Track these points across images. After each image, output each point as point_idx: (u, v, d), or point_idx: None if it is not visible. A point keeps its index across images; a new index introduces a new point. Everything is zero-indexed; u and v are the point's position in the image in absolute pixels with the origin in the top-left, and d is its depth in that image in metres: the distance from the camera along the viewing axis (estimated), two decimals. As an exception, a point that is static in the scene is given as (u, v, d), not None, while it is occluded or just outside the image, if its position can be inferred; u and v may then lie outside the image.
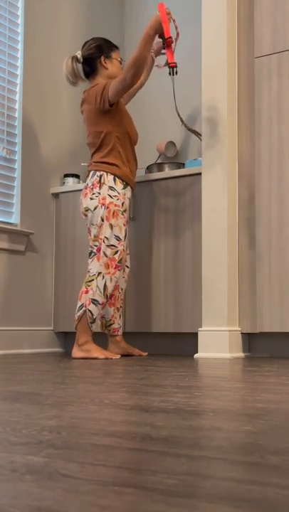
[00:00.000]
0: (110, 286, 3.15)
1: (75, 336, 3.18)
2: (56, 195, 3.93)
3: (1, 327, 3.55)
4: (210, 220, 3.28)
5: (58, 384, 1.76)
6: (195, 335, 3.35)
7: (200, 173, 3.38)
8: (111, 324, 3.32)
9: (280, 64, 3.25)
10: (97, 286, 3.12)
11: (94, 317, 3.12)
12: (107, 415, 1.13)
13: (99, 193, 3.19)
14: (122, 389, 1.61)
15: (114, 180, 3.22)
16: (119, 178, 3.23)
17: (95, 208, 3.18)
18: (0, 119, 3.65)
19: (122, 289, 3.35)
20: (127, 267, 3.37)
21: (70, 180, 3.95)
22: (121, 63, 3.37)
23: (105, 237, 3.16)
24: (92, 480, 0.65)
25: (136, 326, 3.57)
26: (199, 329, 3.27)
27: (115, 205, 3.19)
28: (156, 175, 3.61)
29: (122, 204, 3.22)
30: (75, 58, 3.32)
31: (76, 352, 3.12)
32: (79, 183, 3.95)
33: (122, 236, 3.20)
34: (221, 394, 1.51)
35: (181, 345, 3.54)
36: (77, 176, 4.00)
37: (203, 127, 3.37)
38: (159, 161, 4.14)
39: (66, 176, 3.96)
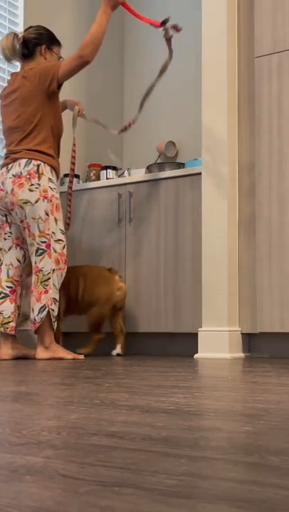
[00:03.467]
0: (60, 283, 3.08)
1: (40, 338, 3.05)
2: (56, 195, 3.93)
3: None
4: (210, 220, 3.28)
5: (58, 384, 1.76)
6: (195, 335, 3.35)
7: (200, 173, 3.38)
8: (9, 322, 3.11)
9: (280, 64, 3.25)
10: (53, 284, 3.03)
11: (55, 315, 3.05)
12: (107, 415, 1.13)
13: (38, 185, 3.02)
14: (122, 389, 1.60)
15: (51, 171, 3.11)
16: (54, 169, 3.13)
17: (37, 201, 3.01)
18: (0, 119, 3.65)
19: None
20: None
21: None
22: (59, 60, 3.26)
23: (52, 232, 3.05)
24: (92, 480, 0.65)
25: (136, 326, 3.57)
26: (199, 329, 3.27)
27: (56, 198, 3.09)
28: (156, 175, 3.61)
29: (59, 197, 3.16)
30: (16, 36, 3.21)
31: (42, 353, 3.01)
32: (78, 183, 3.95)
33: (64, 229, 3.14)
34: (221, 394, 1.51)
35: (181, 345, 3.54)
36: (77, 176, 3.99)
37: (203, 127, 3.37)
38: (159, 161, 4.14)
39: (66, 175, 3.96)
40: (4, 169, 3.11)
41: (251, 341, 3.33)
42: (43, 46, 3.22)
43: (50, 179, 3.07)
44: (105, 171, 3.94)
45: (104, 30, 3.08)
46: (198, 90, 3.52)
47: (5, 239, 3.17)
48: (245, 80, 3.37)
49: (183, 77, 4.33)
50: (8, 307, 3.11)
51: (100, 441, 0.88)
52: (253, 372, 2.25)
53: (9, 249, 3.16)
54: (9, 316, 3.10)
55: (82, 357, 3.08)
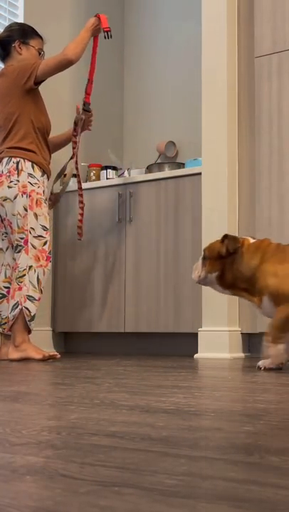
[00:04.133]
0: (43, 280, 2.98)
1: (12, 336, 2.95)
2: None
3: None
4: (210, 220, 3.28)
5: (58, 384, 1.76)
6: (195, 335, 3.35)
7: (200, 173, 3.38)
8: (6, 323, 3.03)
9: (280, 64, 3.25)
10: (29, 281, 2.91)
11: (32, 314, 2.91)
12: (107, 415, 1.13)
13: (18, 181, 2.98)
14: (122, 389, 1.61)
15: (33, 167, 3.02)
16: (36, 164, 3.05)
17: (15, 197, 2.97)
18: None
19: None
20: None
21: (70, 180, 3.94)
22: (40, 54, 3.20)
23: (31, 227, 2.96)
24: (92, 480, 0.65)
25: (136, 326, 3.57)
26: (199, 329, 3.27)
27: (37, 193, 3.00)
28: (156, 175, 3.61)
29: (43, 192, 3.05)
30: None
31: (13, 353, 2.90)
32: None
33: (48, 225, 3.04)
34: (221, 394, 1.51)
35: (181, 345, 3.54)
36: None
37: (203, 127, 3.37)
38: (159, 161, 4.14)
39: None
40: None
41: (251, 341, 3.33)
42: (16, 42, 3.14)
43: (30, 174, 3.00)
44: (105, 171, 3.94)
45: (86, 43, 3.11)
46: (198, 90, 3.52)
47: (2, 239, 3.13)
48: (245, 80, 3.37)
49: (183, 77, 4.33)
50: (5, 308, 3.06)
51: (100, 441, 0.88)
52: (253, 372, 2.25)
53: (6, 250, 3.12)
54: (7, 317, 3.04)
55: (57, 356, 2.95)
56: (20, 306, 2.89)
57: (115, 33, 4.59)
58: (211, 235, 3.27)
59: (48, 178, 3.18)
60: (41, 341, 3.80)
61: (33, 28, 3.24)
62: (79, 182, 3.34)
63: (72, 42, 3.09)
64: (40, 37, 3.24)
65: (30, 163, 3.03)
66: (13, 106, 3.05)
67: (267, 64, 3.28)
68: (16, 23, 3.30)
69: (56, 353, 2.98)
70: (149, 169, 3.87)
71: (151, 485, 0.63)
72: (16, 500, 0.58)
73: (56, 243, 3.91)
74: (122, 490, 0.61)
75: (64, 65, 3.02)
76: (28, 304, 2.90)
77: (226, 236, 2.40)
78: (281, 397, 1.42)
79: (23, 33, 3.18)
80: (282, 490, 0.61)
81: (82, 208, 3.30)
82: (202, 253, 2.51)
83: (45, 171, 3.11)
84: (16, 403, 1.32)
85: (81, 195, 3.32)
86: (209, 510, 0.54)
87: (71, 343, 3.98)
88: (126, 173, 3.94)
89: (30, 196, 2.98)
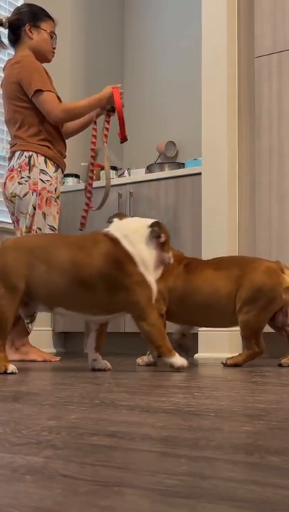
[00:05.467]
0: None
1: (11, 339, 2.85)
2: (56, 195, 3.92)
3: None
4: (210, 220, 3.28)
5: (58, 384, 1.76)
6: (195, 335, 3.34)
7: (200, 173, 3.38)
8: None
9: (280, 64, 3.25)
10: None
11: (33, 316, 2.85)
12: (107, 415, 1.13)
13: (29, 177, 2.85)
14: (122, 389, 1.61)
15: (46, 162, 2.88)
16: (50, 159, 2.91)
17: (25, 195, 2.85)
18: (0, 119, 3.65)
19: None
20: None
21: (70, 180, 3.94)
22: (52, 37, 3.02)
23: (38, 227, 2.85)
24: (92, 480, 0.65)
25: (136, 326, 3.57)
26: (199, 329, 3.27)
27: (48, 192, 2.87)
28: (156, 175, 3.61)
29: (55, 190, 2.92)
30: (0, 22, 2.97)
31: (13, 355, 2.83)
32: (79, 182, 3.95)
33: (56, 226, 2.91)
34: (221, 394, 1.51)
35: (181, 345, 3.53)
36: (77, 176, 3.99)
37: (203, 127, 3.37)
38: (159, 161, 4.15)
39: (66, 175, 3.95)
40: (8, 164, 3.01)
41: (251, 341, 3.32)
42: (27, 25, 2.95)
43: (42, 170, 2.87)
44: (105, 171, 3.93)
45: (86, 113, 2.94)
46: (199, 90, 3.52)
47: None
48: (245, 80, 3.38)
49: (183, 77, 4.33)
50: None
51: (99, 441, 0.88)
52: (253, 372, 2.25)
53: None
54: None
55: (57, 358, 2.93)
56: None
57: (116, 32, 4.59)
58: (211, 235, 3.27)
59: (63, 172, 3.04)
60: (41, 341, 3.80)
61: (44, 10, 3.04)
62: (92, 171, 3.13)
63: (78, 107, 2.90)
64: (52, 19, 3.04)
65: (43, 157, 2.88)
66: (22, 101, 2.90)
67: (267, 64, 3.28)
68: (26, 4, 3.12)
69: (56, 357, 2.95)
70: (149, 169, 3.87)
71: (151, 485, 0.63)
72: (16, 500, 0.58)
73: (56, 243, 3.90)
74: (122, 490, 0.61)
75: (49, 117, 2.87)
76: None
77: None
78: (281, 397, 1.42)
79: (34, 15, 2.99)
80: (282, 490, 0.61)
81: (89, 198, 3.08)
82: None
83: (60, 166, 2.97)
84: (16, 403, 1.32)
85: (90, 185, 3.10)
86: (209, 510, 0.54)
87: (71, 343, 3.97)
88: (126, 173, 3.95)
89: (40, 194, 2.85)
